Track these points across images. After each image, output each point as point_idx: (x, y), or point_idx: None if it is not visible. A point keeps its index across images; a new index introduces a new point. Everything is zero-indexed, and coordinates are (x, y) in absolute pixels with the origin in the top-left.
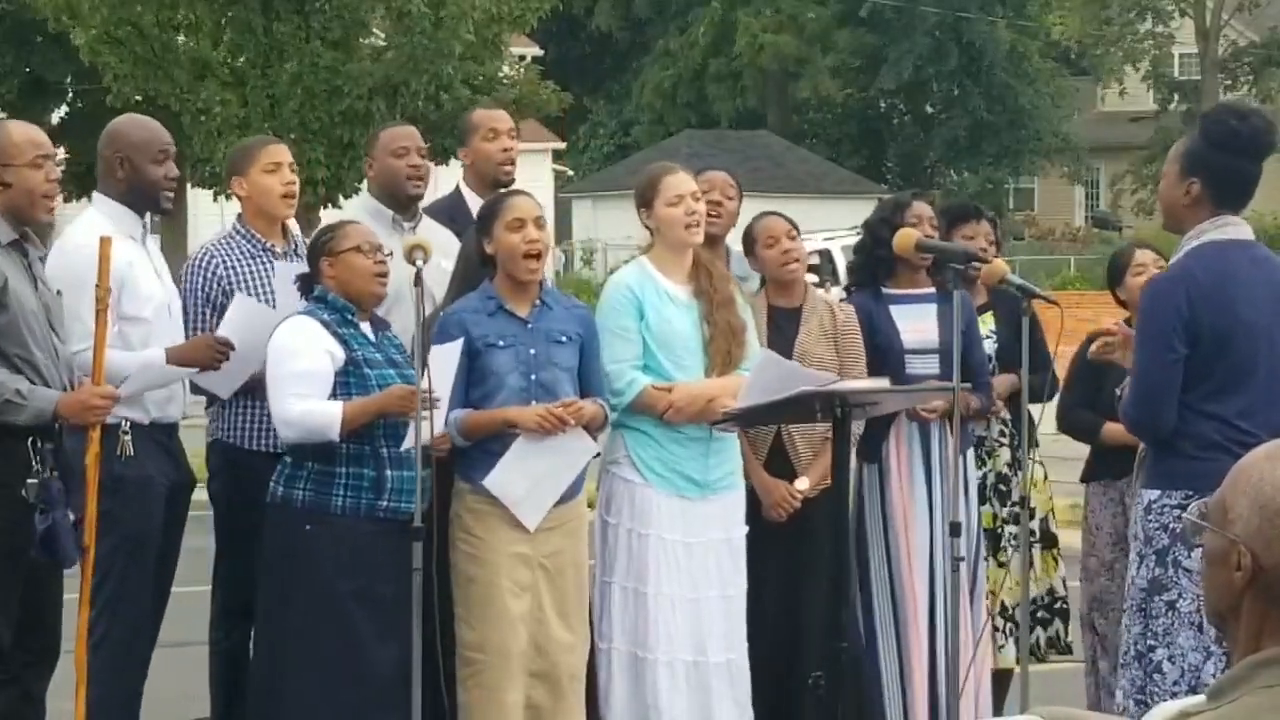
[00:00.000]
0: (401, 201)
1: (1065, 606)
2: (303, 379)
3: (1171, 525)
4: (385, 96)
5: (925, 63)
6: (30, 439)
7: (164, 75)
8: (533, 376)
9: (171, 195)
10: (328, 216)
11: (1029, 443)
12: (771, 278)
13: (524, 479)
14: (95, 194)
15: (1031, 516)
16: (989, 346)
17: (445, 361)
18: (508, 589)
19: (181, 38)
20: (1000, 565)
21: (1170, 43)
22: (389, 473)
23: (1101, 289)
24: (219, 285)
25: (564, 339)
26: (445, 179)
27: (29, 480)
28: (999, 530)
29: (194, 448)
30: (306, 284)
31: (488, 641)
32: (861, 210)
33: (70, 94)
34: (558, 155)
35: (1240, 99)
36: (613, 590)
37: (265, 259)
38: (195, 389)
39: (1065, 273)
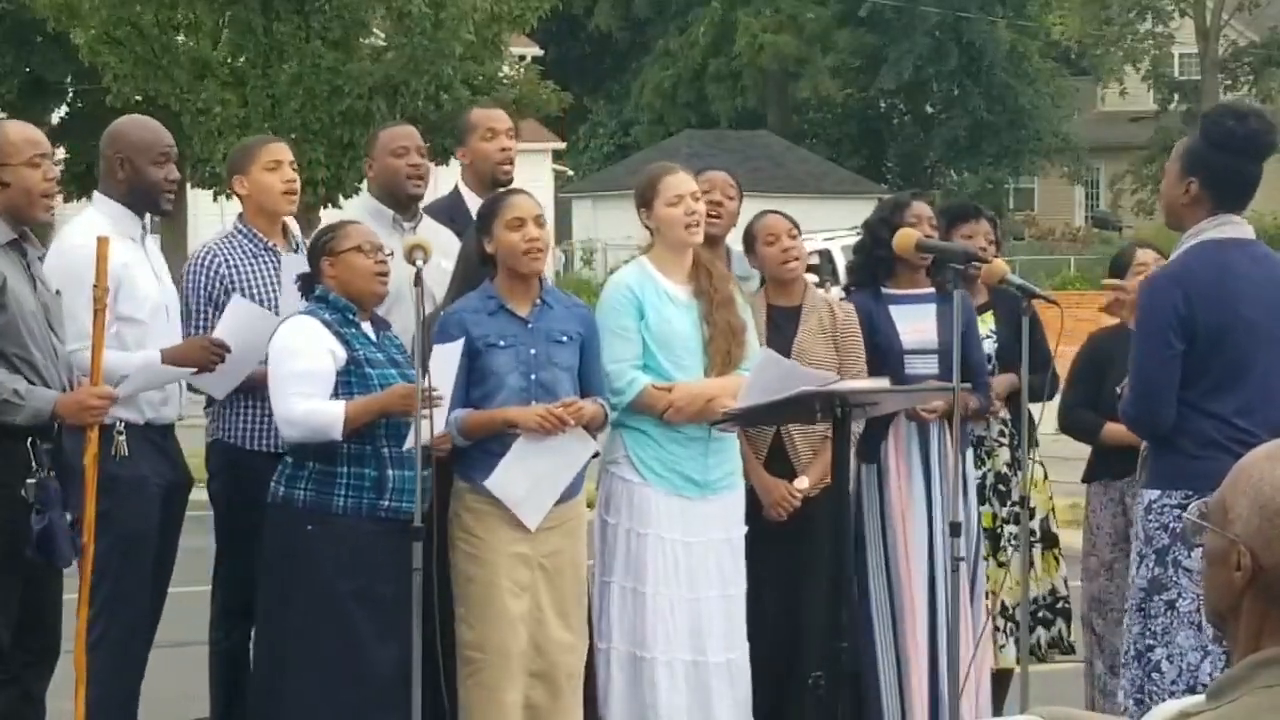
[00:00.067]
0: (402, 201)
1: (1067, 606)
2: (305, 378)
3: (1171, 525)
4: (385, 96)
5: (925, 63)
6: (29, 439)
7: (164, 75)
8: (533, 376)
9: (172, 197)
10: (328, 216)
11: (1029, 442)
12: (771, 276)
13: (524, 479)
14: (96, 194)
15: (1031, 516)
16: (989, 346)
17: (446, 361)
18: (507, 589)
19: (181, 38)
20: (1000, 565)
21: (1170, 43)
22: (390, 472)
23: (1102, 289)
24: (221, 284)
25: (564, 339)
26: (445, 179)
27: (28, 480)
28: (999, 530)
29: (193, 448)
30: (307, 284)
31: (487, 641)
32: (861, 210)
33: (70, 94)
34: (558, 155)
35: (1240, 99)
36: (612, 590)
37: (267, 257)
38: (191, 388)
39: (1065, 273)
